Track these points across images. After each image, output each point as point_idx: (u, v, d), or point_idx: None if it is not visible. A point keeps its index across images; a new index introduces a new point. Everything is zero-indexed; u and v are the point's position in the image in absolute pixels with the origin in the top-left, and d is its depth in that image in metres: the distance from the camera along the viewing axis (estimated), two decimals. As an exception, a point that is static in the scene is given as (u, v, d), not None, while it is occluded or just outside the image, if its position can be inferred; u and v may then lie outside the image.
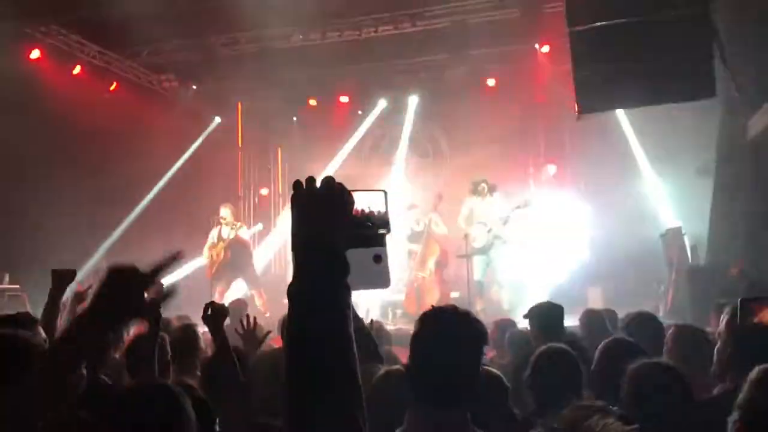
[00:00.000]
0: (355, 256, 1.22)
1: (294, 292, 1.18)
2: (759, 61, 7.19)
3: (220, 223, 10.35)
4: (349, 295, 1.18)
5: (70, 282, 3.78)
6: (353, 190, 1.25)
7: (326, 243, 1.19)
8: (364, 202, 1.27)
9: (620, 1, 6.38)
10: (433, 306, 2.15)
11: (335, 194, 1.22)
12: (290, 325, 1.18)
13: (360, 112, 13.87)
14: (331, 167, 13.49)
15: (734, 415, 1.74)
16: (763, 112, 6.84)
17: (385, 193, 1.31)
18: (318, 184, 1.23)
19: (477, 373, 1.99)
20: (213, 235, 10.40)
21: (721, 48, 6.34)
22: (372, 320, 4.28)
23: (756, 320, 2.07)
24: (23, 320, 3.15)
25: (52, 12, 9.98)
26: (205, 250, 10.36)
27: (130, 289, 1.44)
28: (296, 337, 1.16)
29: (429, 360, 1.97)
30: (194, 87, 12.88)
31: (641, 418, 2.05)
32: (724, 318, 2.56)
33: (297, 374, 1.14)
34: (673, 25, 6.22)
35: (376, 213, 1.28)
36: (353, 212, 1.24)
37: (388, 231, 1.28)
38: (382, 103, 13.70)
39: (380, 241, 1.28)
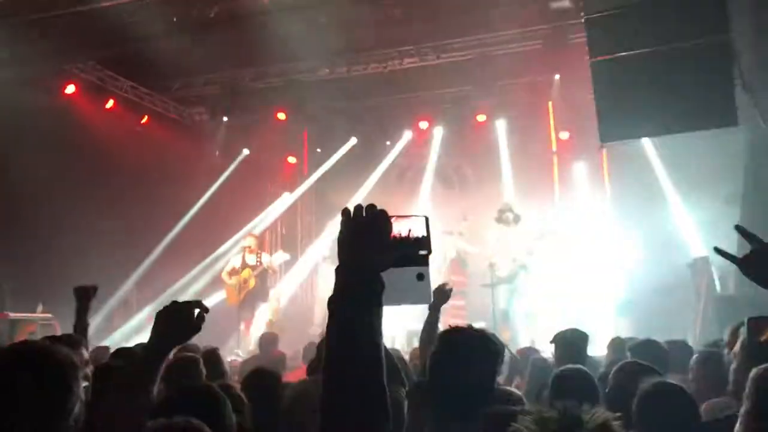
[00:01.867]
0: (399, 274, 1.35)
1: (333, 305, 1.32)
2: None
3: (244, 250, 10.47)
4: (381, 310, 1.30)
5: (93, 296, 3.90)
6: (396, 216, 1.38)
7: (362, 263, 1.32)
8: (406, 227, 1.39)
9: (640, 31, 6.43)
10: (450, 326, 2.23)
11: (376, 220, 1.35)
12: (328, 334, 1.31)
13: (388, 143, 14.01)
14: (358, 197, 13.61)
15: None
16: (788, 139, 6.82)
17: (426, 218, 1.43)
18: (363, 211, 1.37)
19: (492, 387, 2.05)
20: (235, 261, 10.49)
21: (742, 76, 6.36)
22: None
23: (763, 338, 2.10)
24: (69, 340, 3.29)
25: (88, 49, 10.32)
26: (225, 275, 10.43)
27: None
28: (334, 344, 1.30)
29: (446, 376, 2.04)
30: (225, 119, 13.15)
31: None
32: (740, 339, 2.59)
33: (333, 378, 1.27)
34: (693, 54, 6.26)
35: (418, 236, 1.39)
36: (395, 236, 1.36)
37: (429, 252, 1.40)
38: (407, 134, 13.82)
39: (422, 261, 1.39)
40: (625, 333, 10.05)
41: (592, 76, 6.70)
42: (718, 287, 8.76)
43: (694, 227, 10.46)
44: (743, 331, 2.60)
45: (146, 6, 8.44)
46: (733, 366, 2.58)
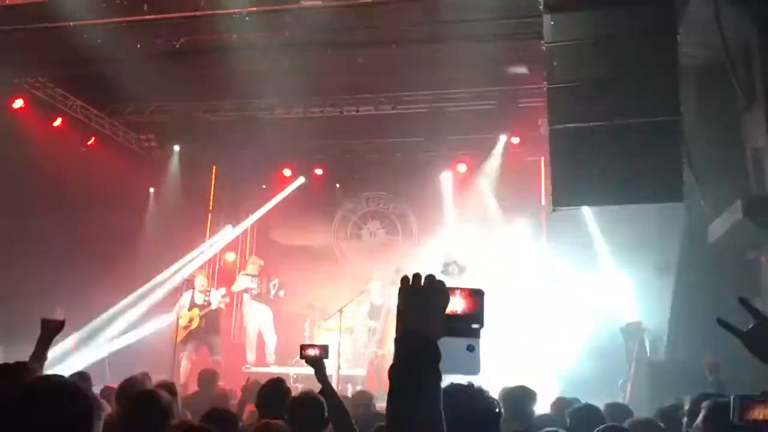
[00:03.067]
0: (451, 344, 1.43)
1: (393, 374, 1.39)
2: (721, 168, 7.67)
3: (193, 288, 10.29)
4: (440, 379, 1.37)
5: (59, 332, 3.79)
6: (454, 288, 1.46)
7: (423, 334, 1.39)
8: (462, 299, 1.48)
9: (598, 104, 6.78)
10: (451, 383, 2.26)
11: (435, 291, 1.44)
12: (391, 402, 1.38)
13: (338, 185, 14.11)
14: (299, 237, 13.60)
15: None
16: (724, 217, 7.25)
17: (482, 292, 1.51)
18: (423, 280, 1.45)
19: None
20: (186, 299, 10.30)
21: (687, 153, 6.77)
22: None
23: (749, 417, 2.23)
24: (22, 369, 3.18)
25: (41, 65, 10.10)
26: (175, 312, 10.22)
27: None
28: (394, 411, 1.37)
29: None
30: (176, 148, 13.02)
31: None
32: (703, 412, 2.73)
33: None
34: (646, 130, 6.64)
35: (473, 309, 1.47)
36: (450, 308, 1.45)
37: (481, 326, 1.48)
38: (355, 179, 13.96)
39: (474, 333, 1.47)
40: (557, 392, 10.32)
41: (549, 143, 6.99)
42: (648, 352, 9.10)
43: (628, 292, 10.86)
44: (706, 405, 2.74)
45: (112, 30, 8.35)
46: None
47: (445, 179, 13.33)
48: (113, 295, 11.65)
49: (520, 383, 5.38)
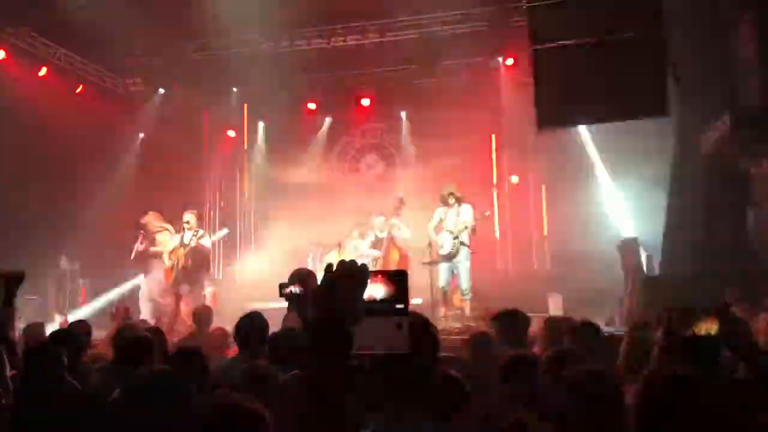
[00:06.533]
0: (377, 323, 1.47)
1: (304, 356, 1.42)
2: (711, 79, 7.53)
3: (183, 229, 10.22)
4: (344, 365, 1.40)
5: (20, 284, 3.79)
6: (373, 272, 1.49)
7: (332, 320, 1.42)
8: (381, 283, 1.51)
9: (579, 21, 6.63)
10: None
11: (349, 278, 1.45)
12: (299, 383, 1.46)
13: (329, 119, 13.99)
14: (297, 173, 13.58)
15: None
16: (714, 129, 7.16)
17: (404, 272, 1.54)
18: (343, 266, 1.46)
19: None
20: (175, 240, 10.24)
21: (673, 68, 6.64)
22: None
23: (691, 331, 2.28)
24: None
25: (19, 14, 9.94)
26: (165, 255, 10.19)
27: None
28: (303, 393, 1.40)
29: None
30: (162, 91, 12.90)
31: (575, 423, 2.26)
32: (661, 327, 2.76)
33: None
34: (628, 46, 6.50)
35: (395, 291, 1.51)
36: (371, 294, 1.48)
37: (406, 305, 1.51)
38: (350, 111, 13.82)
39: (399, 313, 1.50)
40: (555, 310, 10.47)
41: (532, 64, 6.87)
42: (645, 268, 9.16)
43: (623, 209, 10.87)
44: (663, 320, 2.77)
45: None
46: (653, 353, 2.75)
47: (441, 106, 13.13)
48: (114, 242, 11.74)
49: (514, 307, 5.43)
